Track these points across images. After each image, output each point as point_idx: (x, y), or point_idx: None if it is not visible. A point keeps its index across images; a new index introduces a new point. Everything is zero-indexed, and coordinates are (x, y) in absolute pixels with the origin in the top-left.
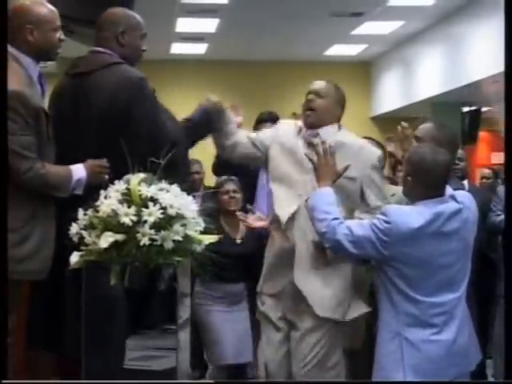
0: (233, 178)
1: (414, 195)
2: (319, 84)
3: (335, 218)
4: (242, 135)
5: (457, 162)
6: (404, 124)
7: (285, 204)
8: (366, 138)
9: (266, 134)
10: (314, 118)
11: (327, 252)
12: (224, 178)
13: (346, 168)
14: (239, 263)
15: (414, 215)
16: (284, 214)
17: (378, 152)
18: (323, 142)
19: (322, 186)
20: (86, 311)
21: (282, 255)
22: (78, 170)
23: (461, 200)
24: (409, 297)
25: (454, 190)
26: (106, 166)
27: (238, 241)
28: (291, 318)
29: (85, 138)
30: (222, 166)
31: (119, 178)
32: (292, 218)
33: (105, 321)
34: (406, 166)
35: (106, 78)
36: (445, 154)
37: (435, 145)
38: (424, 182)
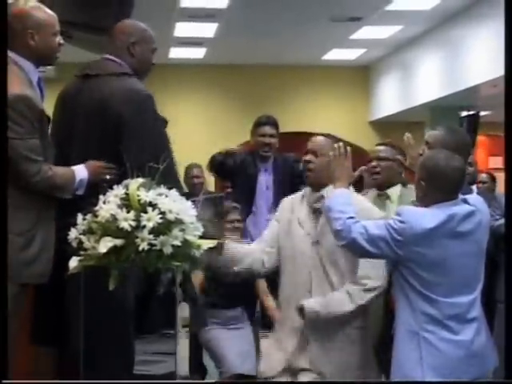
0: (237, 206)
1: (427, 200)
2: (316, 142)
3: (351, 217)
4: (256, 253)
5: (466, 166)
6: (408, 134)
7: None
8: (382, 144)
9: (272, 227)
10: (313, 179)
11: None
12: (230, 205)
13: (361, 171)
14: (235, 290)
15: (428, 216)
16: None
17: (380, 214)
18: (339, 146)
19: (338, 187)
20: (94, 313)
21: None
22: (80, 171)
23: (473, 203)
24: (425, 296)
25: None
26: (106, 166)
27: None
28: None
29: (85, 138)
30: (219, 166)
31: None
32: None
33: (114, 322)
34: (419, 171)
35: (113, 85)
36: (459, 160)
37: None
38: (438, 187)
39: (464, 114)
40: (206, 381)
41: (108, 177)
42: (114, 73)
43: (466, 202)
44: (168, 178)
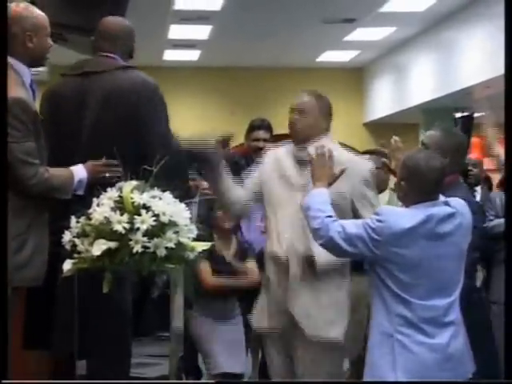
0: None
1: (407, 199)
2: (300, 100)
3: (329, 216)
4: (237, 193)
5: (470, 168)
6: (395, 138)
7: (275, 237)
8: (369, 152)
9: (254, 175)
10: (299, 135)
11: (317, 269)
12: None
13: (343, 171)
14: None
15: (406, 216)
16: (279, 251)
17: (368, 165)
18: (322, 145)
19: (317, 187)
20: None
21: (280, 287)
22: (79, 171)
23: (454, 205)
24: (401, 298)
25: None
26: (106, 163)
27: (228, 258)
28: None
29: (92, 136)
30: None
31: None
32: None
33: (113, 323)
34: (399, 170)
35: (121, 79)
36: (439, 160)
37: (441, 152)
38: (417, 187)
39: (458, 115)
40: (207, 381)
41: (108, 175)
42: (120, 67)
43: (447, 204)
44: (181, 169)
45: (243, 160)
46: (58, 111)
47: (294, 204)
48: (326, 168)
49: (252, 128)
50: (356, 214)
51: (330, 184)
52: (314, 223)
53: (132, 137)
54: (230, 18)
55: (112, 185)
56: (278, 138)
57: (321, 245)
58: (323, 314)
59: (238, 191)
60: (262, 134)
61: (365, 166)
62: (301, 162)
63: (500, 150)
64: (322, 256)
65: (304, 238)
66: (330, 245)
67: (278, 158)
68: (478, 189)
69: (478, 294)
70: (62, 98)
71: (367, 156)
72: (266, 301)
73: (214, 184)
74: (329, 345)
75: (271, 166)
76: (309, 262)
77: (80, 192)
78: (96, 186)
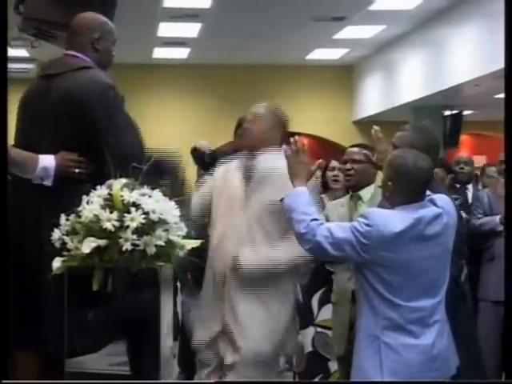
0: None
1: (394, 200)
2: (254, 108)
3: (314, 219)
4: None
5: (462, 166)
6: (376, 127)
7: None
8: (356, 145)
9: (202, 190)
10: (248, 144)
11: (242, 273)
12: None
13: (319, 165)
14: None
15: (395, 219)
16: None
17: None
18: (296, 140)
19: (297, 186)
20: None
21: (216, 290)
22: (46, 159)
23: (440, 204)
24: (388, 301)
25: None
26: (78, 160)
27: None
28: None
29: (52, 137)
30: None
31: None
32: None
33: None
34: (386, 170)
35: (75, 79)
36: (426, 160)
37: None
38: (405, 187)
39: (447, 113)
40: (207, 381)
41: (77, 170)
42: (77, 67)
43: (432, 202)
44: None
45: (235, 157)
46: (25, 115)
47: (233, 217)
48: (303, 164)
49: (240, 124)
50: None
51: (307, 180)
52: (299, 227)
53: (84, 140)
54: (219, 16)
55: (81, 182)
56: None
57: (307, 249)
58: (250, 326)
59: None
60: None
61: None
62: (247, 175)
63: None
64: (248, 262)
65: (238, 249)
66: (316, 249)
67: (227, 170)
68: (470, 186)
69: (461, 288)
70: (28, 101)
71: (355, 149)
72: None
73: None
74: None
75: (219, 181)
76: (234, 265)
77: (48, 182)
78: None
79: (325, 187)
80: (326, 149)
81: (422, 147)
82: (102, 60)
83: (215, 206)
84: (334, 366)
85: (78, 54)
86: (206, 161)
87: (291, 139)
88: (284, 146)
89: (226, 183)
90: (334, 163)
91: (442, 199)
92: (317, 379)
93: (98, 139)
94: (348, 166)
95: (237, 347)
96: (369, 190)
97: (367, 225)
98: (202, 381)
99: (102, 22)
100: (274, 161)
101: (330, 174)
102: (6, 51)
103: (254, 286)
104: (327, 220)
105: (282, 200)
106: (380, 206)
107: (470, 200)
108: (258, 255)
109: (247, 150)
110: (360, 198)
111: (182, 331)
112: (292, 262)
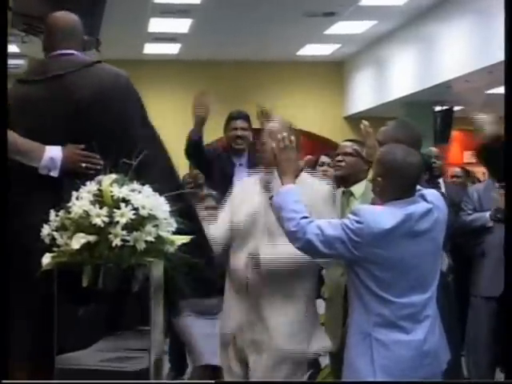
0: (213, 193)
1: (384, 196)
2: (272, 124)
3: (304, 217)
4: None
5: (434, 160)
6: (365, 122)
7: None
8: (349, 140)
9: (225, 209)
10: (266, 159)
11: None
12: (205, 192)
13: (307, 162)
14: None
15: (385, 216)
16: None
17: (327, 186)
18: (284, 137)
19: (286, 183)
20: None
21: (240, 293)
22: (54, 149)
23: (430, 200)
24: (380, 297)
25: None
26: (87, 154)
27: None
28: (248, 356)
29: (71, 140)
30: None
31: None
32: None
33: None
34: (376, 166)
35: (91, 75)
36: (416, 155)
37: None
38: (395, 183)
39: (438, 108)
40: (207, 381)
41: (84, 165)
42: (87, 64)
43: (423, 197)
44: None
45: (225, 153)
46: (30, 117)
47: (255, 222)
48: (291, 161)
49: (229, 118)
50: None
51: (295, 177)
52: (289, 225)
53: (112, 134)
54: (210, 12)
55: (88, 177)
56: (258, 132)
57: (297, 248)
58: (281, 326)
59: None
60: (239, 123)
61: (324, 185)
62: (267, 187)
63: None
64: (268, 258)
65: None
66: (306, 247)
67: (245, 185)
68: (441, 180)
69: (444, 279)
70: (34, 104)
71: (347, 143)
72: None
73: None
74: (285, 358)
75: (237, 196)
76: (255, 261)
77: (54, 173)
78: (73, 176)
79: None
80: (316, 144)
81: (406, 142)
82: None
83: (234, 215)
84: (324, 361)
85: (73, 52)
86: (196, 153)
87: (279, 136)
88: (273, 145)
89: (246, 195)
90: (323, 158)
91: (432, 194)
92: (307, 375)
93: (129, 131)
94: (339, 157)
95: (262, 347)
96: (360, 186)
97: (358, 222)
98: (202, 381)
99: (78, 20)
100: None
101: (319, 169)
102: (5, 47)
103: (279, 283)
104: None
105: (271, 198)
106: (373, 202)
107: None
108: (277, 251)
109: (266, 165)
110: (352, 194)
111: (171, 328)
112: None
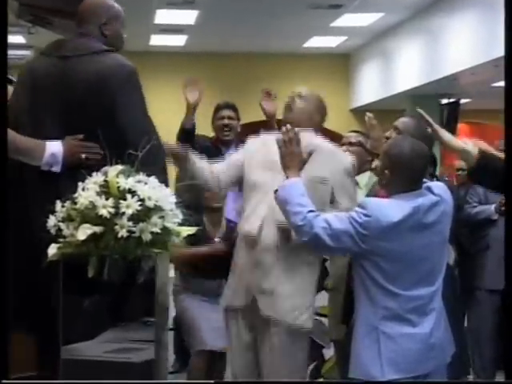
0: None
1: (391, 189)
2: (302, 88)
3: (310, 211)
4: (213, 171)
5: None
6: (369, 114)
7: (252, 220)
8: (354, 131)
9: (236, 157)
10: (292, 120)
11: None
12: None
13: (310, 154)
14: (216, 261)
15: (393, 208)
16: (251, 229)
17: (349, 158)
18: (287, 130)
19: (290, 176)
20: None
21: (249, 266)
22: (54, 145)
23: (437, 192)
24: (386, 290)
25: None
26: (84, 145)
27: (217, 239)
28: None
29: (66, 121)
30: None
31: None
32: (260, 230)
33: None
34: (383, 158)
35: (96, 62)
36: (423, 148)
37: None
38: (402, 176)
39: (444, 101)
40: (206, 381)
41: (84, 156)
42: (96, 51)
43: (429, 189)
44: (157, 159)
45: (213, 144)
46: (36, 90)
47: (275, 186)
48: (295, 155)
49: (217, 108)
50: (333, 202)
51: (300, 169)
52: (296, 219)
53: (108, 121)
54: (216, 3)
55: (90, 168)
56: (247, 126)
57: (304, 241)
58: (290, 298)
59: (212, 167)
60: (226, 112)
61: (346, 157)
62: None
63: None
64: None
65: (280, 215)
66: (314, 241)
67: (264, 142)
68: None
69: (450, 271)
70: (41, 78)
71: (352, 134)
72: (234, 279)
73: (185, 171)
74: (294, 331)
75: (257, 150)
76: (284, 232)
77: (56, 169)
78: (76, 168)
79: None
80: (322, 137)
81: (421, 137)
82: (112, 45)
83: (250, 174)
84: (328, 353)
85: (88, 37)
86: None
87: (283, 128)
88: (276, 135)
89: (265, 153)
90: (352, 138)
91: (439, 187)
92: (311, 367)
93: (117, 122)
94: (344, 148)
95: (270, 320)
96: (365, 176)
97: (366, 215)
98: (201, 381)
99: (108, 6)
100: (315, 139)
101: None
102: (5, 51)
103: (293, 251)
104: None
105: (276, 192)
106: (376, 194)
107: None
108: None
109: (293, 125)
110: (357, 184)
111: (175, 318)
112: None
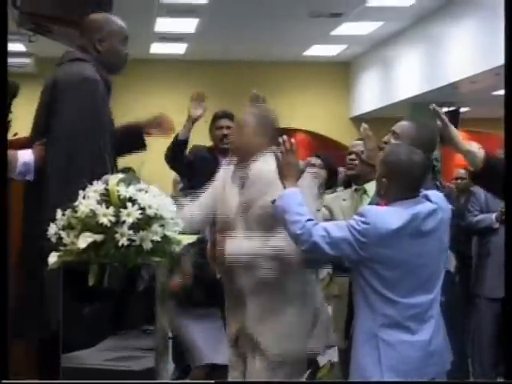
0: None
1: (389, 197)
2: (237, 116)
3: (309, 219)
4: (189, 209)
5: (435, 163)
6: (364, 125)
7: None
8: (360, 139)
9: (207, 191)
10: (235, 152)
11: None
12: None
13: (307, 163)
14: (212, 288)
15: (391, 216)
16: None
17: (309, 174)
18: (285, 141)
19: (288, 186)
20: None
21: (231, 298)
22: (25, 154)
23: (435, 200)
24: (385, 297)
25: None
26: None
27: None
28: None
29: (43, 124)
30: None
31: None
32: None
33: None
34: (380, 167)
35: (63, 70)
36: (420, 155)
37: (411, 143)
38: (400, 183)
39: (445, 109)
40: (206, 381)
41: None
42: (71, 59)
43: (427, 197)
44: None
45: (211, 154)
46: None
47: (228, 222)
48: (292, 165)
49: (215, 118)
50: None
51: (297, 180)
52: (294, 228)
53: (49, 129)
54: (217, 12)
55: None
56: None
57: (303, 250)
58: (269, 332)
59: (184, 212)
60: (224, 122)
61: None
62: (240, 183)
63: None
64: (231, 250)
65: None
66: (313, 249)
67: (226, 175)
68: (437, 183)
69: (450, 278)
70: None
71: (359, 142)
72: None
73: None
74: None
75: (219, 184)
76: (219, 254)
77: (29, 177)
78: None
79: None
80: (322, 145)
81: (421, 142)
82: (106, 60)
83: (219, 204)
84: (322, 360)
85: (77, 50)
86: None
87: (280, 140)
88: (274, 148)
89: (225, 189)
90: (313, 160)
91: (436, 195)
92: (306, 375)
93: (54, 129)
94: (352, 156)
95: (258, 348)
96: (372, 184)
97: (364, 222)
98: (201, 381)
99: (106, 23)
100: (260, 168)
101: (309, 170)
102: (6, 48)
103: (260, 282)
104: (330, 212)
105: (273, 202)
106: (377, 202)
107: None
108: (241, 242)
109: (236, 159)
110: (365, 192)
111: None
112: (276, 251)
